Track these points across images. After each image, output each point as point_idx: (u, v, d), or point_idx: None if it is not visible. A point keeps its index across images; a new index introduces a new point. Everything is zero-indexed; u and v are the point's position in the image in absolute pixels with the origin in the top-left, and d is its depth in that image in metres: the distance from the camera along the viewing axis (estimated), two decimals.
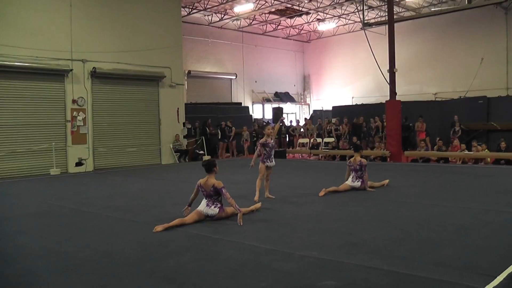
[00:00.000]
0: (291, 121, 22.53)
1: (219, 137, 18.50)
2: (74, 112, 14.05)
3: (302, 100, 30.35)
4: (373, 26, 20.53)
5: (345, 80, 27.95)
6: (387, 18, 16.94)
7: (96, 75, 14.50)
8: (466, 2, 17.99)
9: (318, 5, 22.50)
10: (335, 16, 24.78)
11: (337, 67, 28.42)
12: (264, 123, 16.23)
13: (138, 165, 15.32)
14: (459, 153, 14.26)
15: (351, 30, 26.71)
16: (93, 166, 14.37)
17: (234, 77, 26.14)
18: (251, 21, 25.20)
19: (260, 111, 27.85)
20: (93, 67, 14.36)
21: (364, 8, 20.09)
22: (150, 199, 8.32)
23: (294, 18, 25.32)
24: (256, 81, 27.38)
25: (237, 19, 24.50)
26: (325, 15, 24.73)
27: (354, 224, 5.88)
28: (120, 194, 9.18)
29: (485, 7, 19.34)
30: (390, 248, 4.73)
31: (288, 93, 29.20)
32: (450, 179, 10.41)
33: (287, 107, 28.11)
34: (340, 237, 5.23)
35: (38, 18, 13.25)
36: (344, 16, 24.72)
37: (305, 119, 23.30)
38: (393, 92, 15.66)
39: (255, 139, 18.73)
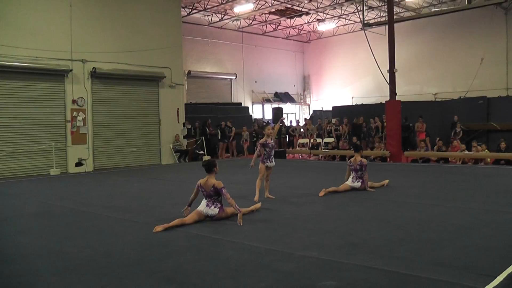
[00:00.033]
0: (291, 121, 22.53)
1: (219, 137, 18.50)
2: (74, 112, 14.05)
3: (302, 100, 30.35)
4: (373, 26, 20.53)
5: (345, 80, 27.96)
6: (387, 19, 16.94)
7: (96, 75, 14.49)
8: (466, 3, 18.01)
9: (318, 6, 22.50)
10: (335, 16, 24.79)
11: (337, 68, 28.42)
12: (264, 123, 16.22)
13: (138, 165, 15.32)
14: (459, 153, 14.26)
15: (351, 31, 26.72)
16: (93, 166, 14.37)
17: (234, 77, 26.14)
18: (251, 21, 25.21)
19: (260, 111, 27.85)
20: (93, 67, 14.36)
21: (364, 9, 20.10)
22: (150, 199, 8.31)
23: (294, 19, 25.32)
24: (256, 81, 27.39)
25: (237, 20, 24.50)
26: (325, 15, 24.74)
27: (354, 224, 5.88)
28: (120, 194, 9.18)
29: (485, 8, 19.35)
30: (390, 248, 4.73)
31: (288, 93, 29.20)
32: (450, 179, 10.41)
33: (287, 107, 28.11)
34: (340, 237, 5.23)
35: (38, 18, 13.25)
36: (344, 16, 24.74)
37: (305, 119, 23.29)
38: (393, 92, 15.66)
39: (255, 139, 18.73)
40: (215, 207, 6.14)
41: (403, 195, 8.12)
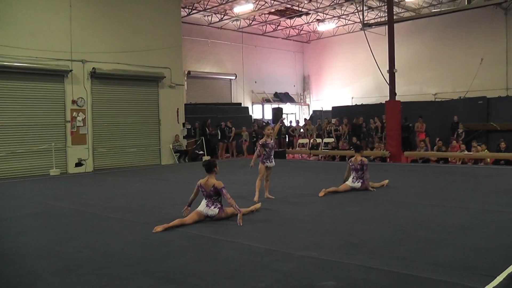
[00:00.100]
0: (290, 122, 22.54)
1: (219, 138, 18.50)
2: (74, 113, 14.05)
3: (301, 101, 30.35)
4: (373, 26, 20.54)
5: (345, 80, 27.96)
6: (386, 19, 16.94)
7: (96, 76, 14.49)
8: (466, 3, 18.02)
9: (318, 6, 22.51)
10: (334, 16, 24.79)
11: (337, 68, 28.43)
12: (264, 124, 16.23)
13: (138, 166, 15.32)
14: (459, 153, 14.27)
15: (351, 31, 26.72)
16: (92, 167, 14.37)
17: (234, 78, 26.14)
18: (250, 21, 25.21)
19: (259, 112, 27.85)
20: (93, 68, 14.36)
21: (364, 9, 20.12)
22: (150, 200, 8.31)
23: (294, 19, 25.32)
24: (255, 82, 27.39)
25: (236, 20, 24.50)
26: (324, 15, 24.74)
27: (354, 225, 5.88)
28: (120, 194, 9.18)
29: (485, 8, 19.36)
30: (389, 248, 4.74)
31: (287, 93, 29.21)
32: (449, 180, 10.41)
33: (286, 107, 28.11)
34: (339, 237, 5.23)
35: (38, 18, 13.25)
36: (343, 16, 24.74)
37: (305, 119, 23.30)
38: (393, 92, 15.66)
39: (254, 139, 18.73)
40: (215, 207, 6.14)
41: (402, 195, 8.12)
